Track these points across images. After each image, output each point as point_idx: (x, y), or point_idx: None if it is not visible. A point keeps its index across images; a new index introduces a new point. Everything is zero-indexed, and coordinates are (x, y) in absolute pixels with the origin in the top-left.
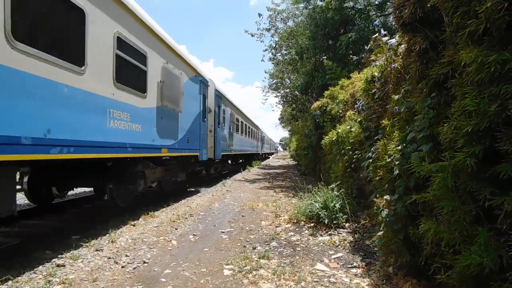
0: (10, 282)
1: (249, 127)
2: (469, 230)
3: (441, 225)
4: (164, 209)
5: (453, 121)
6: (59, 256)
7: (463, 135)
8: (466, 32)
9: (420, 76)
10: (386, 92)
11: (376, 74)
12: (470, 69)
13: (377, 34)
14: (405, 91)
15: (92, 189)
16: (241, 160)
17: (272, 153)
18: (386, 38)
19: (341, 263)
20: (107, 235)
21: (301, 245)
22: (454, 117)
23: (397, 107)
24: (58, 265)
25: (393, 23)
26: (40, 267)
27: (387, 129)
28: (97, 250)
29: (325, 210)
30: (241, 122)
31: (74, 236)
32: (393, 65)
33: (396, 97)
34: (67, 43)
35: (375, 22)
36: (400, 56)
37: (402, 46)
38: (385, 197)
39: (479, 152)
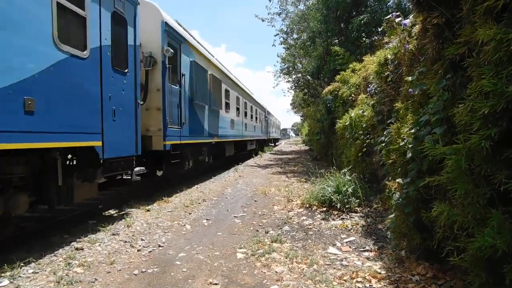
0: (33, 264)
1: None
2: (483, 213)
3: (454, 208)
4: (177, 194)
5: (469, 102)
6: (77, 240)
7: (479, 117)
8: (483, 8)
9: (435, 57)
10: (399, 74)
11: (389, 56)
12: (487, 47)
13: (390, 15)
14: (420, 73)
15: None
16: None
17: (278, 139)
18: (400, 18)
19: (353, 247)
20: (123, 220)
21: (313, 229)
22: (470, 98)
23: (411, 90)
24: (77, 249)
25: (407, 4)
26: (60, 250)
27: (401, 112)
28: (113, 234)
29: (337, 194)
30: None
31: (90, 220)
32: (407, 47)
33: (410, 79)
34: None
35: (388, 3)
36: (415, 37)
37: (417, 26)
38: (397, 180)
39: (495, 134)
